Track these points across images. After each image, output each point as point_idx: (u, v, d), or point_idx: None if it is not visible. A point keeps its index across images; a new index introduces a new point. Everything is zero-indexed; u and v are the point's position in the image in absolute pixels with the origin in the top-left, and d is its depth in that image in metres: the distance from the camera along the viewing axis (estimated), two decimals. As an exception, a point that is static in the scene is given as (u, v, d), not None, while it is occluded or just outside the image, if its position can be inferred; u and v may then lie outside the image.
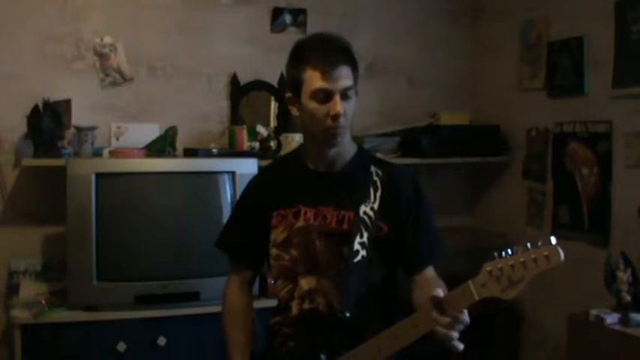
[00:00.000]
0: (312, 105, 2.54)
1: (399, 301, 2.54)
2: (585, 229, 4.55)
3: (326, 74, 2.50)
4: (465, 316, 2.23)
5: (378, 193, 2.62)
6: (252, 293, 2.94)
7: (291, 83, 2.63)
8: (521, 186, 5.12)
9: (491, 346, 4.94)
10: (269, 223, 2.70)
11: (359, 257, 2.53)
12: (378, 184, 2.64)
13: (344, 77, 2.51)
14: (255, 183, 2.88)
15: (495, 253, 2.13)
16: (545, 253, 2.06)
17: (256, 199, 2.79)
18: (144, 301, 4.02)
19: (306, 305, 2.61)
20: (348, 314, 2.50)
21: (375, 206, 2.59)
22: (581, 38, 4.54)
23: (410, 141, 5.03)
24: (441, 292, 2.26)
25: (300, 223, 2.64)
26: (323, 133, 2.57)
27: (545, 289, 4.82)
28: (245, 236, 2.81)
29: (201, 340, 4.09)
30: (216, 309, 3.97)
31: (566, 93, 4.69)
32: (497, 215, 5.35)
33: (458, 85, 5.56)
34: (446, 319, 2.21)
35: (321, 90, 2.51)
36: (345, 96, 2.52)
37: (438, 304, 2.23)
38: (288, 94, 2.65)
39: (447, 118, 5.19)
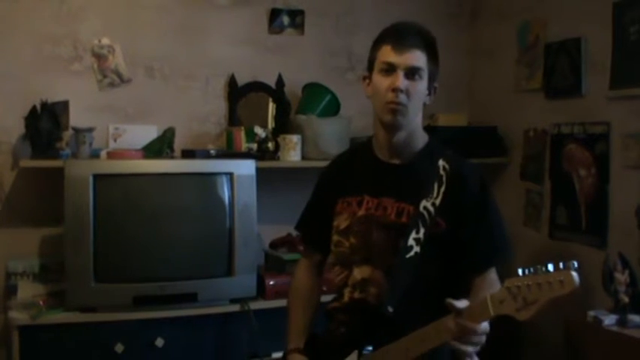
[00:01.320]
0: (378, 77, 2.63)
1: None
2: (583, 231, 4.55)
3: (394, 49, 2.59)
4: (480, 329, 2.25)
5: (442, 189, 2.60)
6: (321, 275, 3.01)
7: (368, 64, 2.74)
8: (519, 187, 5.13)
9: (489, 347, 4.93)
10: (334, 209, 2.77)
11: (412, 253, 2.54)
12: (444, 179, 2.62)
13: (412, 56, 2.58)
14: (328, 169, 2.98)
15: (519, 270, 2.11)
16: (560, 279, 2.03)
17: (326, 184, 2.91)
18: (141, 302, 4.01)
19: (356, 294, 2.66)
20: (391, 309, 2.52)
21: (437, 202, 2.58)
22: (579, 39, 4.54)
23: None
24: (461, 305, 2.25)
25: (362, 212, 2.68)
26: (383, 108, 2.61)
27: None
28: (316, 220, 2.89)
29: (199, 341, 4.09)
30: (214, 310, 4.00)
31: (563, 94, 4.69)
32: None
33: (455, 87, 5.55)
34: (454, 330, 2.25)
35: (388, 63, 2.60)
36: (410, 75, 2.57)
37: (458, 313, 2.25)
38: (364, 75, 2.77)
39: (444, 119, 5.19)
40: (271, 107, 4.99)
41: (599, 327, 3.84)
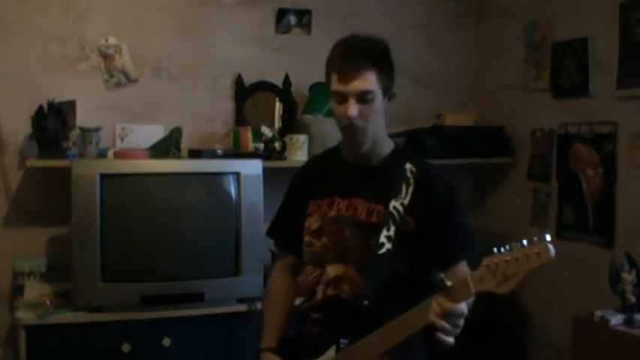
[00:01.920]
0: (334, 105, 2.69)
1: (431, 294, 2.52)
2: (590, 230, 4.54)
3: (342, 79, 2.63)
4: (461, 308, 2.33)
5: (410, 189, 2.70)
6: (295, 278, 3.05)
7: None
8: (526, 187, 5.12)
9: (496, 347, 4.93)
10: (306, 211, 2.85)
11: (384, 250, 2.63)
12: (411, 180, 2.72)
13: (360, 82, 2.61)
14: (298, 173, 3.06)
15: (495, 249, 2.21)
16: (536, 250, 2.13)
17: (298, 188, 2.98)
18: (148, 302, 4.02)
19: (330, 291, 2.74)
20: (366, 302, 2.61)
21: (406, 202, 2.68)
22: (586, 39, 4.54)
23: (414, 142, 5.02)
24: (449, 283, 2.33)
25: (333, 212, 2.77)
26: (343, 131, 2.72)
27: (549, 290, 4.83)
28: (289, 224, 2.96)
29: (205, 340, 4.10)
30: (221, 310, 4.00)
31: (570, 94, 4.69)
32: (501, 216, 5.35)
33: (462, 86, 5.55)
34: (437, 310, 2.33)
35: (338, 93, 2.65)
36: (362, 99, 2.62)
37: (445, 289, 2.33)
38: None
39: (451, 119, 5.20)
40: (278, 107, 4.99)
41: (606, 327, 3.83)
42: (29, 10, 4.45)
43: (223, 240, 4.18)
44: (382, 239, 2.64)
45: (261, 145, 4.65)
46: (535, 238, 2.14)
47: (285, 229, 3.01)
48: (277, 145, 4.66)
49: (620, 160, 4.32)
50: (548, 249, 2.13)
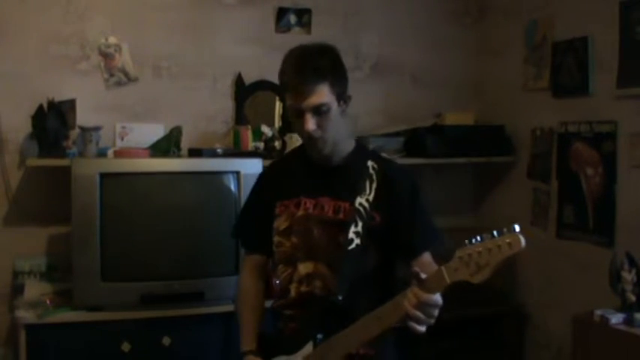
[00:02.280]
0: (292, 119, 2.80)
1: (399, 286, 2.66)
2: (590, 230, 4.54)
3: (296, 96, 2.71)
4: (434, 299, 2.41)
5: (374, 186, 2.80)
6: (264, 278, 3.13)
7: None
8: (526, 186, 5.12)
9: (496, 347, 4.94)
10: (273, 212, 2.92)
11: (353, 245, 2.72)
12: (374, 177, 2.82)
13: (314, 97, 2.68)
14: (263, 176, 3.16)
15: (466, 241, 2.29)
16: (508, 240, 2.20)
17: (264, 190, 3.06)
18: (148, 301, 4.02)
19: (303, 288, 2.82)
20: (340, 297, 2.69)
21: (370, 198, 2.78)
22: (586, 38, 4.53)
23: (415, 141, 5.03)
24: (423, 275, 2.40)
25: (301, 212, 2.85)
26: (304, 141, 2.85)
27: (549, 289, 4.84)
28: (255, 225, 3.04)
29: (205, 340, 4.09)
30: (221, 309, 4.00)
31: (570, 93, 4.69)
32: (501, 215, 5.35)
33: (462, 85, 5.56)
34: (413, 302, 2.40)
35: (293, 109, 2.74)
36: (317, 112, 2.69)
37: (420, 281, 2.40)
38: None
39: (451, 118, 5.20)
40: (278, 106, 4.98)
41: (607, 326, 3.83)
42: (29, 10, 4.45)
43: (223, 239, 4.15)
44: (351, 235, 2.72)
45: (261, 144, 4.65)
46: (505, 229, 2.21)
47: (252, 230, 3.08)
48: (277, 144, 4.66)
49: (620, 159, 4.32)
50: (519, 239, 2.19)
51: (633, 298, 3.91)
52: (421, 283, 2.39)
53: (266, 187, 3.05)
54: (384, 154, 3.06)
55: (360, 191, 2.78)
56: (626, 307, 3.90)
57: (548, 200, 4.91)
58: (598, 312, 3.91)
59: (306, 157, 2.90)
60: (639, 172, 4.20)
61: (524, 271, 5.10)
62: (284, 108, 4.96)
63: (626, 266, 3.96)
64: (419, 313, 2.40)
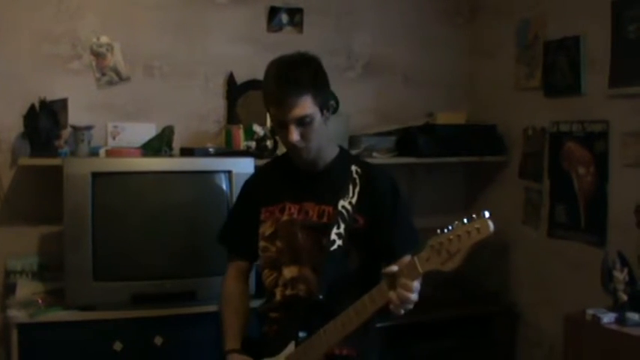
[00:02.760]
0: (277, 129, 2.91)
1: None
2: (582, 229, 4.55)
3: (278, 107, 2.79)
4: (413, 287, 2.47)
5: (357, 189, 2.88)
6: (247, 282, 3.21)
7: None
8: (518, 185, 5.13)
9: (488, 346, 4.94)
10: (259, 218, 3.00)
11: (335, 246, 2.80)
12: (357, 181, 2.90)
13: (297, 109, 2.74)
14: (249, 182, 3.22)
15: (438, 230, 2.35)
16: (477, 226, 2.29)
17: (249, 196, 3.13)
18: (140, 300, 4.01)
19: (288, 292, 2.90)
20: (321, 297, 2.78)
21: (353, 201, 2.86)
22: (578, 38, 4.54)
23: (406, 140, 5.03)
24: (394, 268, 2.51)
25: (285, 217, 2.93)
26: (288, 149, 2.92)
27: (541, 288, 4.84)
28: (240, 230, 3.11)
29: (197, 339, 4.09)
30: (213, 308, 3.99)
31: (562, 92, 4.69)
32: (493, 214, 5.33)
33: (454, 85, 5.56)
34: (393, 294, 2.48)
35: (277, 121, 2.83)
36: (301, 123, 2.75)
37: (390, 277, 2.49)
38: None
39: (443, 118, 5.20)
40: (270, 106, 4.98)
41: (598, 325, 3.83)
42: (21, 9, 4.44)
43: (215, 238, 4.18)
44: (333, 236, 2.81)
45: (253, 144, 4.64)
46: (474, 215, 2.30)
47: (237, 235, 3.14)
48: (269, 143, 4.66)
49: (612, 158, 4.33)
50: (487, 224, 2.28)
51: (625, 297, 3.92)
52: (391, 278, 2.48)
53: (251, 194, 3.12)
54: (368, 159, 3.14)
55: (343, 195, 2.86)
56: (617, 307, 3.91)
57: (540, 199, 4.91)
58: (590, 311, 3.92)
59: (291, 163, 2.96)
60: (631, 171, 4.20)
61: (516, 270, 5.11)
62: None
63: (617, 265, 3.97)
64: (396, 298, 2.47)
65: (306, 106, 2.74)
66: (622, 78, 4.24)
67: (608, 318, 3.84)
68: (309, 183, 2.93)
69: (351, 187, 2.87)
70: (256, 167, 4.16)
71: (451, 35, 5.57)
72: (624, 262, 3.97)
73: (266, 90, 2.85)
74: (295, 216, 2.90)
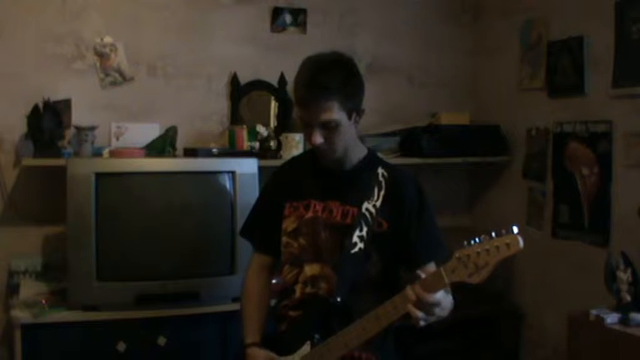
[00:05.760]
0: (302, 127, 2.84)
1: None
2: (585, 229, 4.55)
3: (304, 108, 2.74)
4: (434, 298, 2.44)
5: (382, 192, 2.83)
6: (271, 277, 3.17)
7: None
8: (522, 186, 5.13)
9: (492, 347, 4.94)
10: (282, 212, 2.96)
11: (356, 249, 2.77)
12: (383, 184, 2.85)
13: (323, 113, 2.69)
14: (274, 176, 3.16)
15: (465, 242, 2.33)
16: (507, 241, 2.26)
17: (274, 190, 3.10)
18: (144, 301, 4.01)
19: (308, 289, 2.87)
20: (339, 299, 2.74)
21: (378, 204, 2.81)
22: (581, 38, 4.54)
23: (410, 141, 5.03)
24: (423, 274, 2.49)
25: (310, 214, 2.90)
26: (315, 150, 2.86)
27: (545, 289, 4.83)
28: (264, 224, 3.08)
29: (201, 340, 4.09)
30: (216, 309, 4.00)
31: (566, 93, 4.69)
32: (497, 215, 5.36)
33: (458, 85, 5.56)
34: (412, 299, 2.45)
35: (302, 119, 2.78)
36: (326, 127, 2.72)
37: (420, 280, 2.47)
38: None
39: (447, 118, 5.19)
40: (273, 106, 4.99)
41: (602, 325, 3.83)
42: (24, 9, 4.45)
43: (219, 239, 4.18)
44: (355, 239, 2.77)
45: (257, 144, 4.65)
46: (503, 230, 2.27)
47: (260, 229, 3.12)
48: (273, 143, 4.66)
49: (616, 158, 4.33)
50: (517, 240, 2.25)
51: (628, 297, 3.91)
52: (420, 283, 2.44)
53: (276, 188, 3.09)
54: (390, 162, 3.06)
55: (367, 197, 2.82)
56: (621, 307, 3.91)
57: (544, 200, 4.91)
58: (593, 312, 3.92)
59: (318, 161, 2.92)
60: (634, 171, 4.20)
61: (520, 270, 5.11)
62: (279, 108, 4.97)
63: (621, 266, 3.96)
64: (418, 312, 2.44)
65: (333, 111, 2.69)
66: (625, 78, 4.24)
67: (611, 318, 3.83)
68: (335, 182, 2.90)
69: (376, 190, 2.84)
70: (259, 168, 4.18)
71: (455, 36, 5.57)
72: (628, 263, 3.97)
73: (295, 88, 2.78)
74: (319, 214, 2.88)
